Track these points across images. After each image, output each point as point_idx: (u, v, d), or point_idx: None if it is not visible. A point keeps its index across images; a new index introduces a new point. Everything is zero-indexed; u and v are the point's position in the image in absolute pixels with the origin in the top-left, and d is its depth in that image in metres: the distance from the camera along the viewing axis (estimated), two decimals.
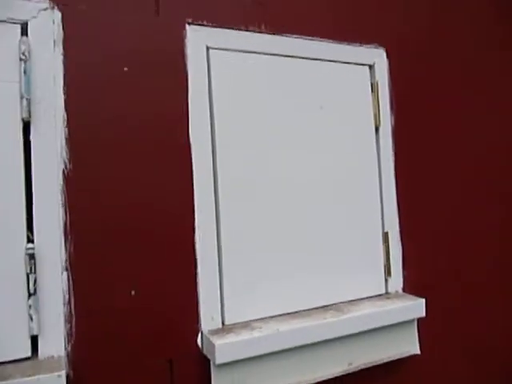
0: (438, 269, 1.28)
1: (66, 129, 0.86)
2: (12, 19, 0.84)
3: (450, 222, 1.32)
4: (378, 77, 1.22)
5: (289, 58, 1.11)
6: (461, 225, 1.34)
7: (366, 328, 1.05)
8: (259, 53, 1.07)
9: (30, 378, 0.73)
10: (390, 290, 1.20)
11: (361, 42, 1.21)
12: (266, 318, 1.02)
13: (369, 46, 1.22)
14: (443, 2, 1.39)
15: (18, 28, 0.84)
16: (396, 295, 1.19)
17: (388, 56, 1.25)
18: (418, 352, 1.17)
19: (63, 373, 0.75)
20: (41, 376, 0.74)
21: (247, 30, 1.06)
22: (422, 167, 1.29)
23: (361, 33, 1.21)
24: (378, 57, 1.23)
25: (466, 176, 1.36)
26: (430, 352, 1.21)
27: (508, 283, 1.42)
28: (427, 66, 1.33)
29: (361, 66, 1.21)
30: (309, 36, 1.13)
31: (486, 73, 1.44)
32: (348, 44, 1.19)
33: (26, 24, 0.85)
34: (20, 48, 0.82)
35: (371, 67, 1.22)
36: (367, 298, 1.16)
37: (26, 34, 0.84)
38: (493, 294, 1.39)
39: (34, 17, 0.85)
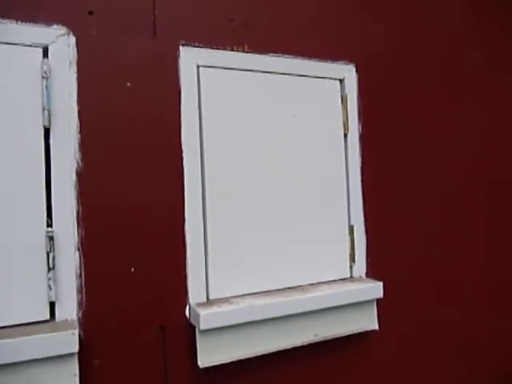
0: (399, 258, 1.47)
1: (79, 134, 1.04)
2: (36, 43, 1.02)
3: (412, 217, 1.51)
4: (347, 90, 1.40)
5: (269, 74, 1.29)
6: (423, 221, 1.53)
7: (329, 305, 1.24)
8: (243, 70, 1.25)
9: (49, 334, 0.92)
10: (354, 274, 1.39)
11: (333, 59, 1.39)
12: (243, 295, 1.21)
13: (340, 62, 1.40)
14: (412, 17, 1.56)
15: (41, 51, 1.02)
16: (359, 279, 1.37)
17: (357, 71, 1.42)
18: (377, 328, 1.36)
19: (76, 331, 0.94)
20: (58, 333, 0.93)
21: (232, 50, 1.24)
22: (386, 169, 1.47)
23: (333, 51, 1.39)
24: (347, 72, 1.41)
25: (429, 175, 1.54)
26: (389, 328, 1.41)
27: (462, 268, 1.61)
28: (394, 78, 1.51)
29: (332, 80, 1.39)
30: (287, 54, 1.31)
31: (451, 82, 1.62)
32: (321, 61, 1.37)
33: (47, 48, 1.03)
34: (42, 68, 1.01)
35: (341, 81, 1.40)
36: (333, 280, 1.35)
37: (47, 56, 1.02)
38: (450, 279, 1.58)
39: (54, 41, 1.03)
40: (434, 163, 1.56)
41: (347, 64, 1.41)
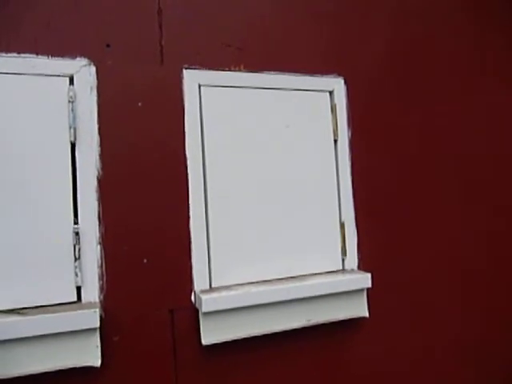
0: (388, 252, 1.60)
1: (99, 147, 1.25)
2: (63, 73, 1.23)
3: (400, 214, 1.63)
4: (336, 100, 1.55)
5: (263, 89, 1.46)
6: (410, 218, 1.65)
7: (320, 293, 1.39)
8: (240, 87, 1.43)
9: (76, 312, 1.12)
10: (346, 267, 1.53)
11: (322, 73, 1.55)
12: (243, 283, 1.37)
13: (329, 76, 1.55)
14: (396, 32, 1.71)
15: (67, 80, 1.24)
16: (350, 271, 1.51)
17: (346, 83, 1.58)
18: (367, 315, 1.49)
19: (97, 310, 1.13)
20: (83, 311, 1.13)
21: (230, 70, 1.42)
22: (375, 171, 1.60)
23: (322, 66, 1.55)
24: (336, 84, 1.56)
25: (414, 176, 1.67)
26: (379, 315, 1.53)
27: (447, 262, 1.72)
28: (381, 88, 1.65)
29: (322, 92, 1.55)
30: (279, 71, 1.48)
31: (434, 89, 1.74)
32: (311, 75, 1.53)
33: (72, 76, 1.24)
34: (69, 93, 1.22)
35: (331, 93, 1.56)
36: (326, 272, 1.49)
37: (73, 84, 1.24)
38: (434, 269, 1.68)
39: (78, 71, 1.25)
40: (420, 164, 1.68)
41: (336, 77, 1.57)
